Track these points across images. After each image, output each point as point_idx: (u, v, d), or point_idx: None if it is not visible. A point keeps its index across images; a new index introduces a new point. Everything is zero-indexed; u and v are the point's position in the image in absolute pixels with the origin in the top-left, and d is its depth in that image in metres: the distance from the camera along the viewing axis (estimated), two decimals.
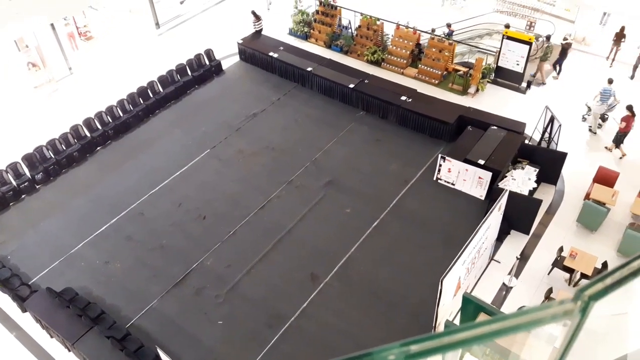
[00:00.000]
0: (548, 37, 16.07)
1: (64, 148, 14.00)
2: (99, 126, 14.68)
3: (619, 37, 16.00)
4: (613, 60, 16.33)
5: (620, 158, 13.22)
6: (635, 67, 15.70)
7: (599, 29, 17.58)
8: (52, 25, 16.28)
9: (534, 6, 18.28)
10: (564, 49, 15.78)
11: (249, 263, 11.20)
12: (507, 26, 16.73)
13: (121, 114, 15.07)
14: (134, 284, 11.00)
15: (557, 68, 16.06)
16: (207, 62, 17.02)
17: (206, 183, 13.27)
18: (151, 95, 15.74)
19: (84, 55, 18.27)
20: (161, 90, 15.95)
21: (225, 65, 17.53)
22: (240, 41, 17.57)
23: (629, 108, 12.85)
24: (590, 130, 14.05)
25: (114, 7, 19.56)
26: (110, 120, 14.90)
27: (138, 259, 11.49)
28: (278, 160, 13.81)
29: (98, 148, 14.58)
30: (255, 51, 17.30)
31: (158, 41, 19.14)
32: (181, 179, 13.39)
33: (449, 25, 17.24)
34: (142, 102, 15.50)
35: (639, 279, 1.01)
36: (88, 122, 14.54)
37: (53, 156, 13.78)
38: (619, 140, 13.17)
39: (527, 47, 15.09)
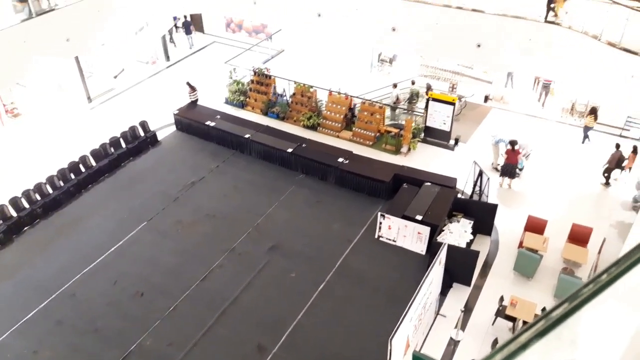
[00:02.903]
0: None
1: None
2: (27, 205, 13.96)
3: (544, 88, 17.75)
4: (543, 103, 18.00)
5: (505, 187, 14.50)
6: (540, 95, 17.52)
7: (510, 88, 19.15)
8: None
9: (455, 70, 19.66)
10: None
11: (192, 339, 10.66)
12: (429, 87, 17.91)
13: (51, 191, 14.45)
14: None
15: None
16: (142, 134, 16.85)
17: (143, 257, 12.76)
18: (83, 170, 15.26)
19: (11, 132, 17.62)
20: (94, 164, 15.53)
21: (161, 136, 17.42)
22: (176, 112, 17.62)
23: (511, 142, 14.07)
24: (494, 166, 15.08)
25: (43, 83, 19.19)
26: (39, 198, 14.22)
27: (70, 346, 10.66)
28: (219, 228, 13.58)
29: (25, 228, 13.78)
30: (191, 121, 17.36)
31: (90, 115, 18.83)
32: (116, 255, 12.81)
33: (394, 85, 18.07)
34: (73, 177, 14.98)
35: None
36: (14, 201, 13.79)
37: None
38: (505, 172, 14.36)
39: (451, 107, 16.09)
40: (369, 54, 20.80)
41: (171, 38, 23.34)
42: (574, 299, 1.04)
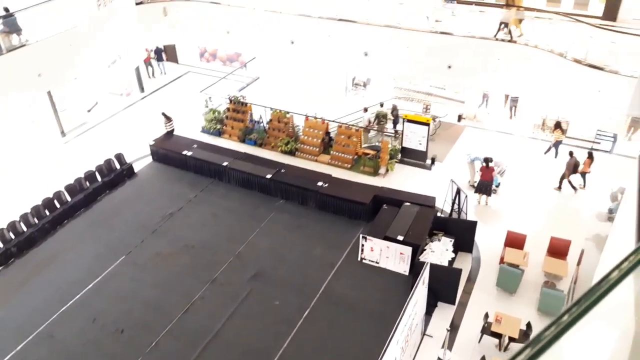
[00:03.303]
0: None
1: None
2: (0, 244, 13.57)
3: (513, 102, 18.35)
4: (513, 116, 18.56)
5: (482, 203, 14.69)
6: (510, 109, 18.20)
7: (484, 108, 19.56)
8: None
9: (428, 91, 20.04)
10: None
11: None
12: (394, 108, 18.36)
13: (25, 229, 14.10)
14: None
15: None
16: (118, 166, 16.65)
17: (122, 292, 12.46)
18: (58, 206, 14.96)
19: None
20: (69, 199, 15.24)
21: (137, 167, 17.24)
22: (152, 142, 17.49)
23: (486, 160, 14.35)
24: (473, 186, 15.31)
25: (15, 118, 18.86)
26: (13, 237, 13.85)
27: None
28: (199, 259, 13.38)
29: (0, 268, 13.40)
30: (168, 151, 17.25)
31: (64, 150, 18.55)
32: (94, 292, 12.48)
33: (365, 110, 18.28)
34: (48, 213, 14.66)
35: None
36: None
37: None
38: (481, 189, 14.62)
39: (426, 127, 16.34)
40: (343, 78, 21.07)
41: (152, 72, 23.20)
42: (536, 343, 1.06)
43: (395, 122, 18.43)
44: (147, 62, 22.99)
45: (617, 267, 1.37)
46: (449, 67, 14.56)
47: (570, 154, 14.94)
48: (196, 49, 24.12)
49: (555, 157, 16.64)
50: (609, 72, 12.30)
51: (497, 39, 14.03)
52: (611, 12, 14.53)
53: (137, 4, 16.37)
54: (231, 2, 17.58)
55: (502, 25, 14.02)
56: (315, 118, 18.00)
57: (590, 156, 14.83)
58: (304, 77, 21.26)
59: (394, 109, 18.54)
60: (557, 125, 16.39)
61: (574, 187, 15.02)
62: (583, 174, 15.01)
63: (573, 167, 14.80)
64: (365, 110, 18.16)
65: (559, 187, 15.23)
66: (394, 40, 15.01)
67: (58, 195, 15.09)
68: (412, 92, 20.41)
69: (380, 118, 18.13)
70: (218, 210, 15.27)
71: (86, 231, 14.56)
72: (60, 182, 15.47)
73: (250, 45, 18.27)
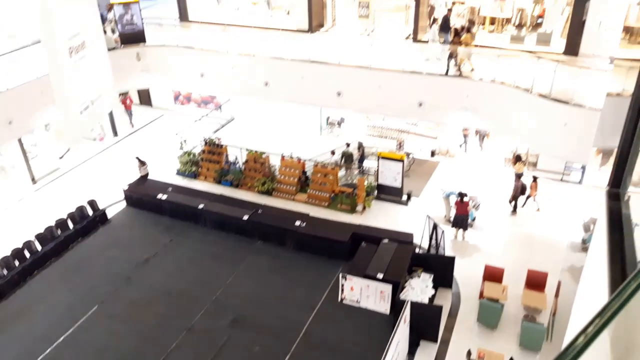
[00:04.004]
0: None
1: None
2: None
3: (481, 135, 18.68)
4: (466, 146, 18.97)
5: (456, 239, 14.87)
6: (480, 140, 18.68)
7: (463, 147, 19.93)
8: None
9: (400, 128, 20.38)
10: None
11: None
12: (360, 145, 18.58)
13: None
14: None
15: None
16: (91, 213, 16.31)
17: (95, 345, 11.98)
18: (28, 256, 14.49)
19: None
20: (39, 248, 14.79)
21: (111, 213, 16.90)
22: (126, 187, 17.24)
23: (460, 194, 14.68)
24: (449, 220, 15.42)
25: None
26: None
27: None
28: (175, 306, 13.01)
29: None
30: (142, 195, 17.01)
31: (35, 197, 18.13)
32: (66, 346, 11.97)
33: (332, 152, 18.43)
34: (17, 264, 14.17)
35: None
36: None
37: None
38: (457, 224, 14.81)
39: (401, 164, 16.52)
40: (318, 118, 21.32)
41: (131, 120, 22.97)
42: None
43: (361, 160, 18.69)
44: (128, 110, 22.70)
45: (583, 332, 1.35)
46: (420, 104, 14.86)
47: (518, 177, 15.79)
48: (170, 92, 24.19)
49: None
50: (574, 106, 12.70)
51: (447, 75, 14.53)
52: (572, 48, 15.15)
53: (110, 49, 16.40)
54: (205, 46, 17.79)
55: (452, 61, 14.56)
56: (291, 157, 18.06)
57: (535, 180, 15.77)
58: (279, 117, 21.47)
59: (360, 147, 18.79)
60: (518, 159, 16.82)
61: (515, 210, 15.90)
62: (528, 197, 15.88)
63: (520, 190, 15.68)
64: (333, 153, 18.31)
65: (514, 211, 15.93)
66: (366, 80, 15.32)
67: (28, 244, 14.63)
68: (385, 129, 20.73)
69: (347, 158, 18.27)
70: (194, 254, 14.99)
71: (57, 281, 14.08)
72: (31, 231, 15.02)
73: (224, 87, 18.42)
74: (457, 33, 15.11)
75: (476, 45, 15.08)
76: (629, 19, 14.92)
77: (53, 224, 15.40)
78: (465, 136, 19.24)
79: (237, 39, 17.86)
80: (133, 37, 17.52)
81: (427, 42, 16.29)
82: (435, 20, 17.36)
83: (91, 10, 8.31)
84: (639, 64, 11.97)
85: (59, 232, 15.40)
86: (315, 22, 18.36)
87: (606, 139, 10.95)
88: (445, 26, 15.59)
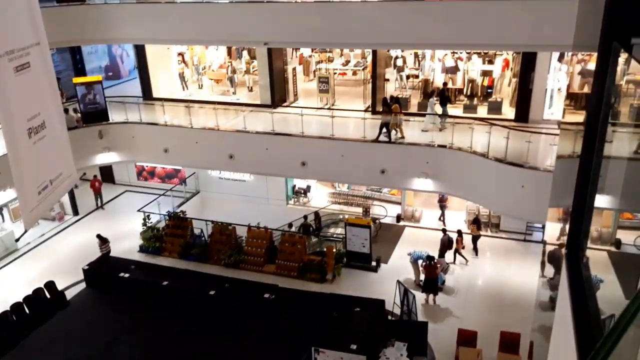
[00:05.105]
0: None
1: None
2: None
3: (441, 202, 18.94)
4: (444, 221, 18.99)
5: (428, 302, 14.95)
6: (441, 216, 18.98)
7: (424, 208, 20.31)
8: None
9: (365, 194, 20.71)
10: None
11: None
12: (305, 217, 18.55)
13: None
14: None
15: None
16: (48, 296, 15.53)
17: None
18: None
19: None
20: None
21: (70, 295, 16.13)
22: (86, 267, 16.61)
23: (428, 258, 14.85)
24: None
25: None
26: None
27: None
28: None
29: None
30: (103, 275, 16.40)
31: None
32: None
33: (289, 226, 18.41)
34: None
35: None
36: None
37: None
38: (428, 288, 14.85)
39: (367, 230, 16.64)
40: (284, 187, 21.46)
41: (100, 202, 22.43)
42: None
43: (319, 228, 18.76)
44: (97, 193, 21.99)
45: None
46: (382, 171, 15.21)
47: (444, 231, 16.64)
48: (133, 168, 24.01)
49: (476, 253, 17.13)
50: (529, 168, 13.27)
51: (378, 141, 15.12)
52: (522, 115, 16.08)
53: (72, 128, 16.35)
54: (169, 121, 17.97)
55: (383, 129, 15.22)
56: (258, 227, 17.95)
57: (460, 234, 16.53)
58: (244, 189, 21.51)
59: (317, 217, 18.90)
60: (474, 221, 17.27)
61: (454, 262, 16.52)
62: (457, 251, 16.54)
63: (447, 244, 16.38)
64: (290, 225, 18.29)
65: (454, 262, 16.65)
66: (329, 150, 15.67)
67: None
68: (350, 196, 21.02)
69: (305, 229, 18.26)
70: (159, 335, 14.32)
71: None
72: None
73: (189, 161, 18.46)
74: (386, 103, 15.81)
75: (390, 112, 15.56)
76: (573, 87, 16.03)
77: (8, 308, 14.55)
78: (442, 207, 19.19)
79: (201, 114, 18.16)
80: (96, 116, 17.55)
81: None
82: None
83: (52, 90, 8.33)
84: (583, 127, 12.72)
85: (15, 318, 14.53)
86: (278, 97, 18.95)
87: (560, 199, 11.39)
88: (385, 102, 16.08)
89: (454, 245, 16.55)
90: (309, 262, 16.78)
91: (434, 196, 19.83)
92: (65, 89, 18.42)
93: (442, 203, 19.09)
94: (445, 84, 17.65)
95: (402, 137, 15.21)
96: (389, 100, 16.02)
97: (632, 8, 2.89)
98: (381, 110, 16.01)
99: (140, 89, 20.42)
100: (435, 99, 16.24)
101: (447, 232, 16.60)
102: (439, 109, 16.05)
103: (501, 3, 13.50)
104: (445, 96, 16.35)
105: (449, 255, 16.52)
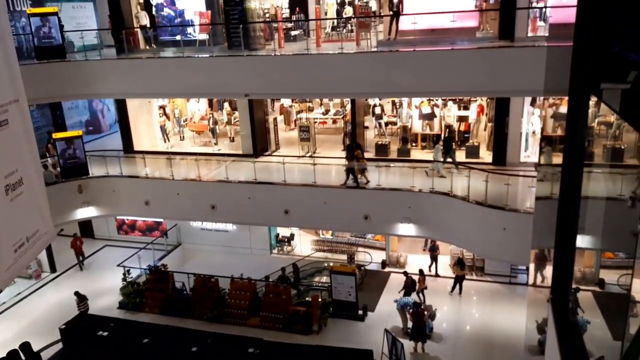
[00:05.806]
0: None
1: None
2: None
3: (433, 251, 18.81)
4: (436, 268, 18.82)
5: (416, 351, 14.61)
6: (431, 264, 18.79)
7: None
8: None
9: (349, 241, 20.61)
10: None
11: None
12: (283, 269, 18.21)
13: None
14: None
15: None
16: (24, 358, 14.81)
17: None
18: None
19: None
20: None
21: (46, 356, 15.44)
22: (63, 326, 15.98)
23: (415, 304, 14.74)
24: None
25: None
26: None
27: None
28: None
29: None
30: (81, 334, 15.77)
31: None
32: None
33: (267, 277, 18.07)
34: None
35: None
36: None
37: None
38: (416, 335, 14.59)
39: (353, 277, 16.45)
40: (267, 236, 21.27)
41: (82, 262, 21.83)
42: None
43: (297, 279, 18.49)
44: (78, 252, 21.25)
45: None
46: (366, 217, 15.21)
47: (405, 273, 16.82)
48: (113, 222, 23.62)
49: (460, 293, 17.11)
50: (509, 211, 13.39)
51: (347, 186, 15.25)
52: (499, 158, 16.38)
53: (50, 183, 16.13)
54: (150, 173, 17.85)
55: (349, 174, 15.41)
56: (242, 279, 17.62)
57: (422, 274, 16.75)
58: (227, 239, 21.24)
59: (295, 268, 18.69)
60: (458, 262, 17.28)
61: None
62: (420, 291, 16.60)
63: (410, 286, 16.40)
64: (267, 278, 18.01)
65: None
66: (311, 197, 15.67)
67: None
68: (333, 243, 20.89)
69: (283, 282, 17.92)
70: None
71: None
72: None
73: (171, 213, 18.25)
74: (349, 149, 16.00)
75: (354, 158, 15.75)
76: (547, 130, 16.47)
77: None
78: (433, 257, 18.86)
79: (182, 166, 18.12)
80: (75, 171, 17.37)
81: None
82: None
83: (30, 147, 8.25)
84: (560, 169, 13.00)
85: None
86: (260, 147, 19.08)
87: (541, 240, 11.47)
88: (349, 149, 16.30)
89: (417, 286, 16.63)
90: (294, 313, 16.42)
91: (419, 241, 19.83)
92: (41, 145, 18.17)
93: (433, 253, 18.78)
94: (448, 127, 17.73)
95: (367, 182, 15.34)
96: (353, 146, 16.22)
97: (599, 54, 3.01)
98: (344, 156, 16.26)
99: (121, 142, 20.37)
100: (440, 145, 16.18)
101: (409, 274, 16.73)
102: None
103: (472, 53, 14.03)
104: (450, 143, 15.98)
105: (413, 296, 16.30)
